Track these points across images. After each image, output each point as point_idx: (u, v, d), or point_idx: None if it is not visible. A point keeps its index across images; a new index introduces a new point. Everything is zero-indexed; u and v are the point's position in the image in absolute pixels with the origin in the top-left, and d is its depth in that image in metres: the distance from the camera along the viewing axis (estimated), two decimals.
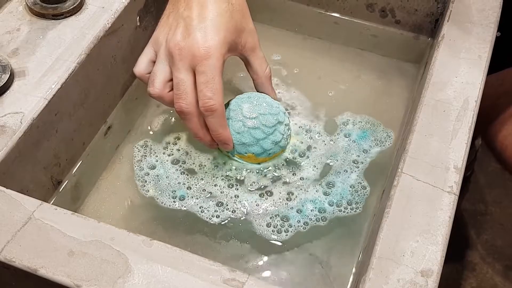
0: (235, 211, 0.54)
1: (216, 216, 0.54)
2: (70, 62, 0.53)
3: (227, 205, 0.55)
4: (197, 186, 0.56)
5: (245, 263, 0.52)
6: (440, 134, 0.49)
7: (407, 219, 0.44)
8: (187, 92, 0.51)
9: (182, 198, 0.55)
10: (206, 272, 0.40)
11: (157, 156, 0.58)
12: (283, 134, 0.57)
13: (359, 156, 0.58)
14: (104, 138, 0.60)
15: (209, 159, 0.58)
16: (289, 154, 0.58)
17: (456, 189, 0.46)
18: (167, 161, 0.58)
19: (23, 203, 0.44)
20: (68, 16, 0.57)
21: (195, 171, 0.57)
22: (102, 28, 0.56)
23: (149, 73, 0.55)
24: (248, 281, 0.40)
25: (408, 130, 0.52)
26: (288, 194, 0.55)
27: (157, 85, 0.53)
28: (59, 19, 0.57)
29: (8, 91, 0.51)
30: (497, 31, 0.58)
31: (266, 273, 0.51)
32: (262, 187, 0.56)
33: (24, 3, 0.57)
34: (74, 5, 0.57)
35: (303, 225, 0.54)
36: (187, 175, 0.57)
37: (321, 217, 0.54)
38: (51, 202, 0.54)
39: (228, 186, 0.56)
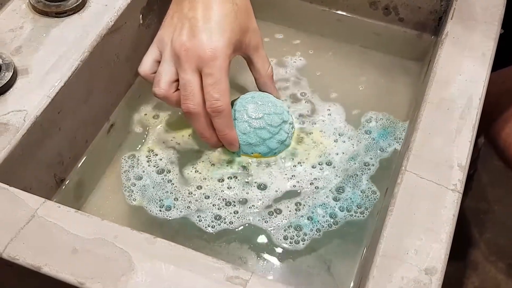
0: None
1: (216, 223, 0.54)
2: (73, 60, 0.53)
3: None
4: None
5: (244, 263, 0.52)
6: (444, 132, 0.49)
7: (411, 217, 0.44)
8: (194, 93, 0.52)
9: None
10: (209, 270, 0.40)
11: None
12: (288, 133, 0.57)
13: (371, 158, 0.58)
14: (107, 136, 0.60)
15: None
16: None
17: (460, 187, 0.46)
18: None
19: (27, 201, 0.44)
20: (71, 14, 0.57)
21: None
22: (105, 26, 0.56)
23: (154, 73, 0.55)
24: (251, 279, 0.39)
25: (412, 128, 0.52)
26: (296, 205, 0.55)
27: (163, 86, 0.53)
28: (62, 17, 0.57)
29: (11, 89, 0.51)
30: (501, 29, 0.58)
31: (269, 271, 0.51)
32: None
33: (27, 1, 0.57)
34: (77, 3, 0.57)
35: (316, 232, 0.53)
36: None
37: (333, 222, 0.54)
38: (54, 200, 0.54)
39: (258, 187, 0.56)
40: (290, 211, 0.54)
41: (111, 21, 0.57)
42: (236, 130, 0.55)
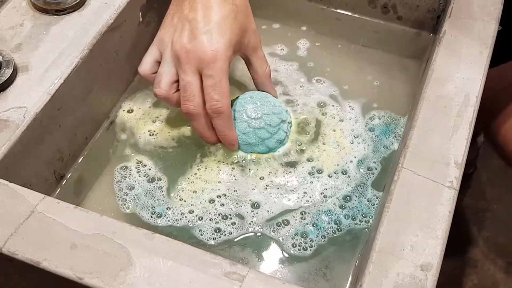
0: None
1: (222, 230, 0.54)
2: (73, 57, 0.53)
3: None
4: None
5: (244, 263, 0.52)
6: (441, 130, 0.49)
7: (407, 214, 0.44)
8: (194, 94, 0.52)
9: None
10: (207, 265, 0.40)
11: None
12: (286, 132, 0.58)
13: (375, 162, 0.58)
14: (106, 133, 0.60)
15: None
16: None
17: (456, 184, 0.46)
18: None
19: (26, 196, 0.44)
20: (71, 12, 0.57)
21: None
22: (104, 24, 0.56)
23: (154, 73, 0.55)
24: (248, 274, 0.40)
25: (409, 125, 0.53)
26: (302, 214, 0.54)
27: (163, 87, 0.54)
28: (62, 14, 0.57)
29: (11, 86, 0.51)
30: (498, 25, 0.58)
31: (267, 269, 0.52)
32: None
33: None
34: (77, 1, 0.57)
35: (322, 239, 0.53)
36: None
37: (337, 229, 0.53)
38: (54, 196, 0.55)
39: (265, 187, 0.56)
40: (296, 219, 0.53)
41: (110, 19, 0.57)
42: (236, 130, 0.55)
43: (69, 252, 0.41)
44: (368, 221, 0.53)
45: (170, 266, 0.40)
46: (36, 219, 0.43)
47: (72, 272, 0.40)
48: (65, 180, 0.56)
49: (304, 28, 0.70)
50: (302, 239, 0.52)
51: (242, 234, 0.53)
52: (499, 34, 0.57)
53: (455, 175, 0.47)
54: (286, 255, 0.52)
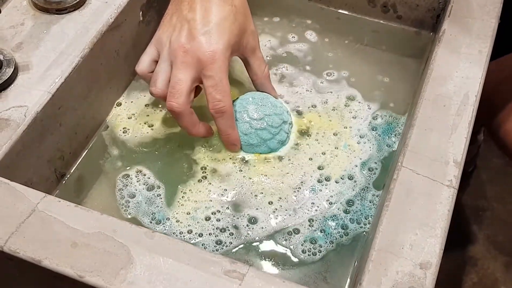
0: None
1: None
2: (73, 57, 0.54)
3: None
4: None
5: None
6: (440, 129, 0.50)
7: (407, 212, 0.44)
8: (181, 93, 0.52)
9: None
10: (207, 264, 0.41)
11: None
12: (287, 133, 0.58)
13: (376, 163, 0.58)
14: (107, 132, 0.60)
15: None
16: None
17: (456, 182, 0.46)
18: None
19: (27, 195, 0.44)
20: (72, 11, 0.57)
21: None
22: (105, 23, 0.56)
23: (151, 72, 0.56)
24: (248, 273, 0.40)
25: (408, 124, 0.53)
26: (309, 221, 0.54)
27: (159, 85, 0.54)
28: (63, 13, 0.57)
29: (12, 85, 0.52)
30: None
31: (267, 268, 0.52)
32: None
33: None
34: (78, 0, 0.57)
35: (330, 244, 0.52)
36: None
37: (344, 233, 0.53)
38: (55, 195, 0.55)
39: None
40: (305, 227, 0.53)
41: (111, 18, 0.57)
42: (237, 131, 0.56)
43: (70, 251, 0.41)
44: (371, 222, 0.53)
45: (170, 264, 0.40)
46: (37, 217, 0.43)
47: (73, 271, 0.40)
48: (66, 179, 0.57)
49: (303, 27, 0.70)
50: (312, 244, 0.52)
51: (240, 244, 0.52)
52: (498, 28, 0.58)
53: (454, 173, 0.47)
54: (293, 259, 0.52)
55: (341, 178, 0.56)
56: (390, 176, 0.49)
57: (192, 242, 0.52)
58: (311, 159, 0.57)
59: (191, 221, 0.53)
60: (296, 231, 0.53)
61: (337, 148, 0.58)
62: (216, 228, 0.53)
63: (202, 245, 0.52)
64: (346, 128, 0.60)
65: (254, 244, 0.52)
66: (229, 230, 0.53)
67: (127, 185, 0.56)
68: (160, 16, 0.57)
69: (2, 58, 0.52)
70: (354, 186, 0.55)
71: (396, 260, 0.42)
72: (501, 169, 1.28)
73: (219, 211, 0.54)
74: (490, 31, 0.57)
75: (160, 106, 0.62)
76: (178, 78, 0.52)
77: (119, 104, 0.62)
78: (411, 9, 0.67)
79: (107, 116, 0.61)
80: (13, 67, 0.52)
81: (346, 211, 0.54)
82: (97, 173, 0.57)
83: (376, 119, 0.61)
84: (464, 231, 1.21)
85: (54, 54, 0.54)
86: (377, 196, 0.55)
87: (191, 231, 0.53)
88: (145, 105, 0.62)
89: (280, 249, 0.52)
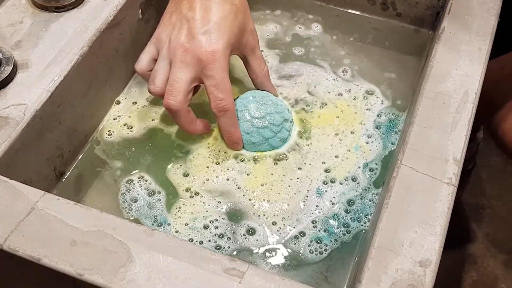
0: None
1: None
2: (72, 55, 0.54)
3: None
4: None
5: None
6: (440, 126, 0.50)
7: (406, 210, 0.44)
8: (179, 91, 0.52)
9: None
10: (207, 262, 0.41)
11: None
12: (288, 131, 0.58)
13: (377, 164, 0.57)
14: (106, 130, 0.60)
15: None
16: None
17: (455, 180, 0.46)
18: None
19: (27, 193, 0.44)
20: (71, 9, 0.57)
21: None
22: (104, 21, 0.56)
23: (150, 70, 0.55)
24: (248, 270, 0.40)
25: (408, 122, 0.53)
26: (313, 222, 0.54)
27: (158, 83, 0.54)
28: (62, 11, 0.57)
29: (11, 83, 0.52)
30: None
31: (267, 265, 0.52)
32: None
33: None
34: None
35: (334, 242, 0.52)
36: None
37: (346, 231, 0.53)
38: (54, 193, 0.55)
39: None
40: (308, 228, 0.53)
41: (110, 16, 0.57)
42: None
43: (69, 249, 0.41)
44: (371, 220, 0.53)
45: (169, 262, 0.40)
46: (36, 216, 0.43)
47: (72, 269, 0.40)
48: (65, 177, 0.57)
49: (303, 24, 0.70)
50: (318, 244, 0.52)
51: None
52: (498, 26, 0.58)
53: (453, 171, 0.47)
54: (294, 260, 0.52)
55: (345, 180, 0.56)
56: (389, 174, 0.49)
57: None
58: (324, 162, 0.57)
59: (190, 231, 0.53)
60: (302, 234, 0.53)
61: (349, 151, 0.58)
62: (215, 235, 0.53)
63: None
64: (351, 133, 0.59)
65: (254, 250, 0.52)
66: (235, 236, 0.53)
67: (129, 190, 0.56)
68: (159, 14, 0.57)
69: (1, 56, 0.52)
70: (357, 187, 0.55)
71: (396, 257, 0.42)
72: (500, 167, 1.28)
73: (216, 220, 0.54)
74: (489, 28, 0.57)
75: (159, 104, 0.62)
76: (177, 77, 0.52)
77: (118, 102, 0.62)
78: (410, 6, 0.67)
79: (106, 114, 0.61)
80: (12, 65, 0.52)
81: (347, 211, 0.54)
82: (96, 171, 0.57)
83: (380, 116, 0.61)
84: (463, 229, 1.21)
85: (53, 52, 0.54)
86: (376, 194, 0.55)
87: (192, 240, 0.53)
88: (144, 103, 0.62)
89: (283, 250, 0.52)
